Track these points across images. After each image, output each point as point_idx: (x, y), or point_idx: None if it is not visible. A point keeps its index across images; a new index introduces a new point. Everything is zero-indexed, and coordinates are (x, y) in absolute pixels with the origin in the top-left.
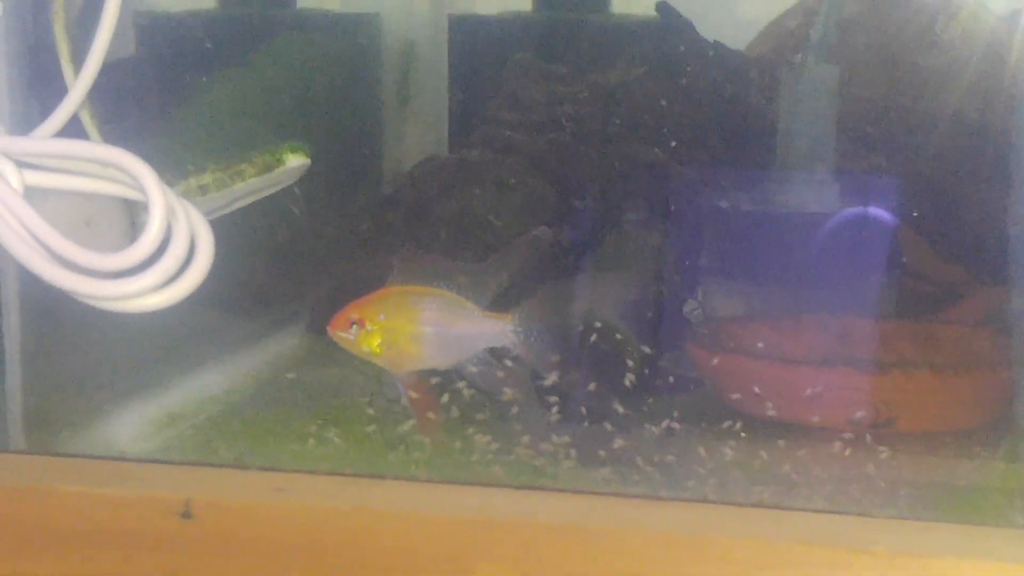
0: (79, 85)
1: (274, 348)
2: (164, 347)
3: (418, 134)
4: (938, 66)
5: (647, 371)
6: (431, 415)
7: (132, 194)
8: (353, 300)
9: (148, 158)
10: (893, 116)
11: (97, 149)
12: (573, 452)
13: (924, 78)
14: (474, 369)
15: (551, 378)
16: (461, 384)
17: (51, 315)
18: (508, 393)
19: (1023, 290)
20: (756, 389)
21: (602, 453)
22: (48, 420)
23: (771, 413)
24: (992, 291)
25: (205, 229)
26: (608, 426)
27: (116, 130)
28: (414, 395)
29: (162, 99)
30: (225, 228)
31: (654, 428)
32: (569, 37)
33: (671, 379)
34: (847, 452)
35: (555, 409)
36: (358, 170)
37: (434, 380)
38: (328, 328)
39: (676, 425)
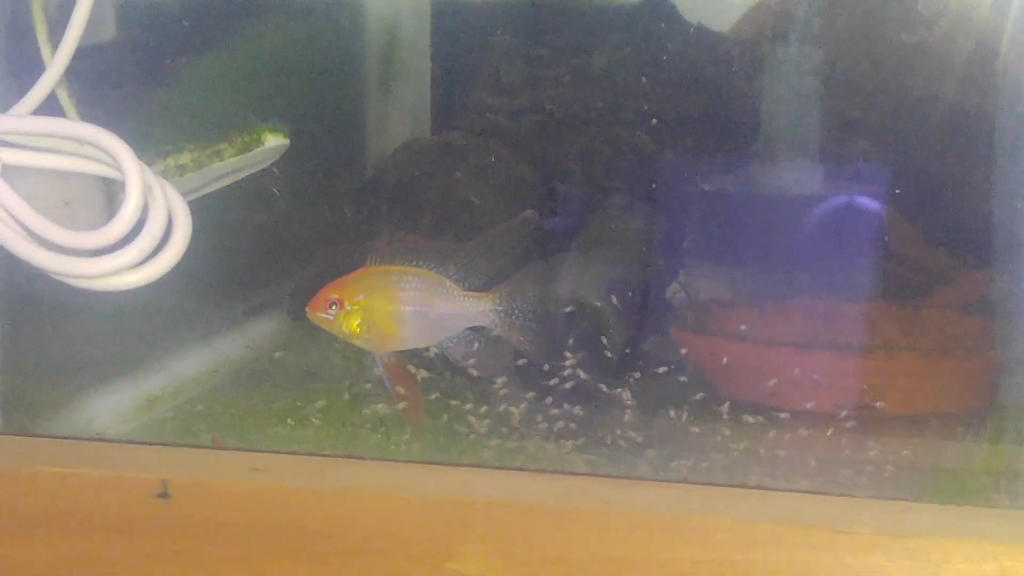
0: (56, 63)
1: (254, 332)
2: (143, 330)
3: (401, 117)
4: (923, 45)
5: (629, 352)
6: (406, 392)
7: (110, 172)
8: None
9: (127, 137)
10: (878, 97)
11: (74, 127)
12: (554, 432)
13: (909, 57)
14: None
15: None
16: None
17: (30, 297)
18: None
19: (1009, 274)
20: (740, 372)
21: (582, 433)
22: (27, 402)
23: (755, 396)
24: (978, 275)
25: (183, 208)
26: (590, 406)
27: (96, 111)
28: (385, 374)
29: (143, 80)
30: (205, 210)
31: (635, 409)
32: (552, 20)
33: (654, 361)
34: (831, 433)
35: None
36: (340, 153)
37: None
38: (307, 309)
39: (658, 406)
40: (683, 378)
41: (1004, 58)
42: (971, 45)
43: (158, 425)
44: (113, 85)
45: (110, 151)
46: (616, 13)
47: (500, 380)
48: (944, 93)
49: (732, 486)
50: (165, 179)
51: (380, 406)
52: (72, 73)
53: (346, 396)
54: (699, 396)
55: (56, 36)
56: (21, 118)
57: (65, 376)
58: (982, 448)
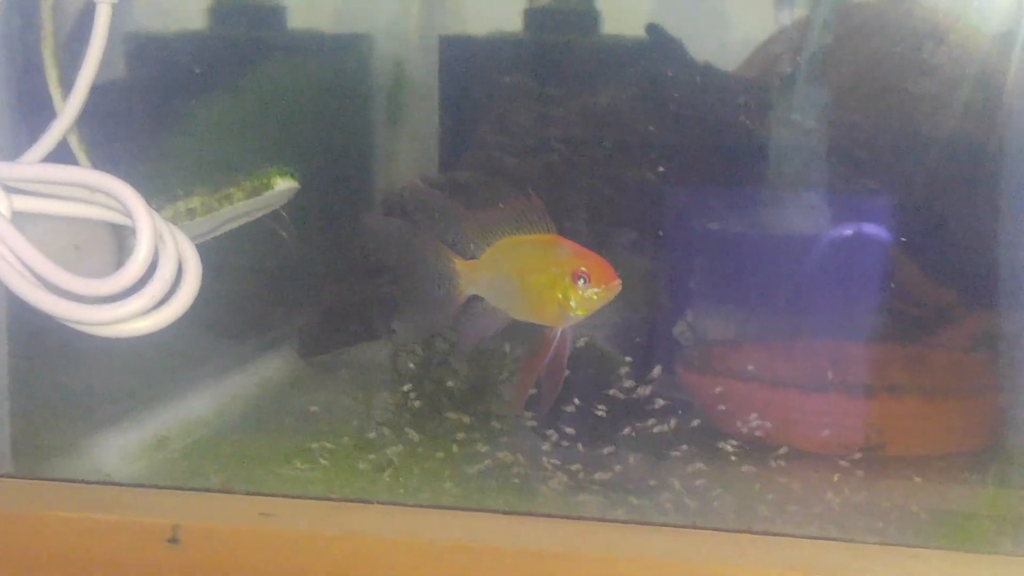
0: (68, 110)
1: (263, 372)
2: (153, 371)
3: (408, 156)
4: (927, 89)
5: (636, 392)
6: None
7: (120, 219)
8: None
9: (136, 182)
10: (882, 139)
11: (85, 174)
12: (562, 473)
13: (912, 101)
14: None
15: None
16: None
17: (39, 339)
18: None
19: (1013, 314)
20: (745, 412)
21: (589, 473)
22: (36, 445)
23: (760, 436)
24: (982, 315)
25: (192, 253)
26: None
27: (105, 154)
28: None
29: (151, 122)
30: (213, 251)
31: (642, 450)
32: (560, 59)
33: (660, 401)
34: (836, 476)
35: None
36: (348, 192)
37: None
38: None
39: (664, 447)
40: (690, 419)
41: (1010, 97)
42: (977, 85)
43: (167, 466)
44: (122, 125)
45: (121, 199)
46: (624, 51)
47: (510, 420)
48: (949, 132)
49: (740, 531)
50: (175, 223)
51: (391, 447)
52: (81, 113)
53: (350, 438)
54: (705, 436)
55: (67, 79)
56: (32, 165)
57: (74, 418)
58: (987, 492)
